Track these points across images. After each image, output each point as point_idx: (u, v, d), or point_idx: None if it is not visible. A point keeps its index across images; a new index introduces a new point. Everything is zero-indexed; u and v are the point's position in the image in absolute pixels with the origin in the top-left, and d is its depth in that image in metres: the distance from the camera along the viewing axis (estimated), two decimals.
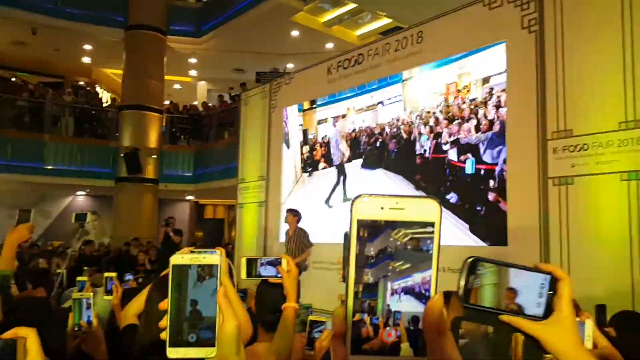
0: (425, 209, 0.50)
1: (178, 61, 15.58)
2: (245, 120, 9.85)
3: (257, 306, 2.20)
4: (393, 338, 0.50)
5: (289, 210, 7.10)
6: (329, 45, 13.89)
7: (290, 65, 14.66)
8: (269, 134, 9.14)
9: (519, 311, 0.67)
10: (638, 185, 4.45)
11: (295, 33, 13.58)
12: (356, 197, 0.51)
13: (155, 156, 13.54)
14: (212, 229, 15.62)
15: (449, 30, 6.28)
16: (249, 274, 1.88)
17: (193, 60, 16.32)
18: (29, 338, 0.84)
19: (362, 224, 0.50)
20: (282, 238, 8.48)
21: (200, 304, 0.77)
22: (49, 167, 13.35)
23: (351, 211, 0.50)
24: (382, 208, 0.50)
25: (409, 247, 0.50)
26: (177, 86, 18.44)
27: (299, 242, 6.91)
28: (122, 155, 13.03)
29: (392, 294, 0.51)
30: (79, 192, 15.76)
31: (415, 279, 0.51)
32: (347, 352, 0.51)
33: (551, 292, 0.68)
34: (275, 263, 1.88)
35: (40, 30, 14.19)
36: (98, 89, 18.55)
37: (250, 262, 1.89)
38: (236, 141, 10.35)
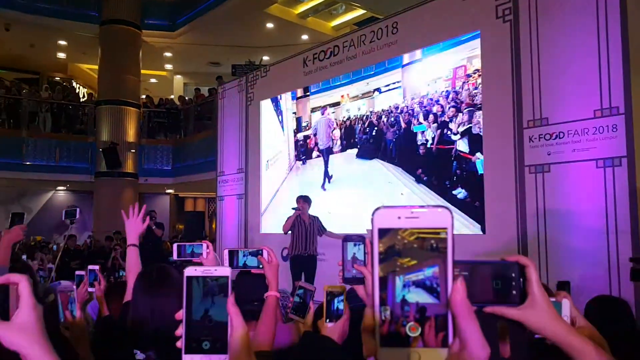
0: (438, 217, 0.54)
1: (154, 55, 15.41)
2: (223, 114, 9.77)
3: (235, 296, 2.18)
4: (418, 332, 0.54)
5: (303, 198, 6.71)
6: (304, 37, 13.82)
7: (266, 58, 14.56)
8: (246, 126, 9.08)
9: (499, 301, 0.74)
10: (613, 172, 4.50)
11: (270, 25, 13.48)
12: (376, 209, 0.55)
13: (134, 150, 13.45)
14: (193, 221, 15.54)
15: (424, 21, 6.27)
16: (231, 265, 1.93)
17: (168, 54, 16.15)
18: (21, 284, 0.86)
19: (381, 232, 0.54)
20: (264, 229, 8.48)
21: (212, 313, 0.84)
22: (28, 164, 13.21)
23: (372, 222, 0.55)
24: (399, 217, 0.54)
25: (416, 245, 0.54)
26: (153, 80, 18.23)
27: (317, 229, 6.66)
28: (100, 150, 12.91)
29: (403, 288, 0.54)
30: (59, 188, 15.58)
31: (426, 273, 0.54)
32: (377, 345, 0.54)
33: (521, 279, 0.75)
34: (257, 254, 1.93)
35: (14, 26, 13.94)
36: (74, 84, 18.25)
37: (232, 254, 1.95)
38: (214, 134, 10.28)
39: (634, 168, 4.36)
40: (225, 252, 1.96)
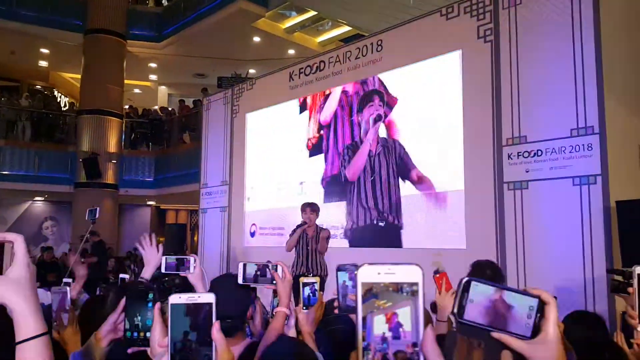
0: (411, 272, 0.63)
1: (138, 66, 15.35)
2: (207, 125, 9.79)
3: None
4: None
5: (309, 205, 5.66)
6: (291, 52, 13.95)
7: (252, 71, 14.63)
8: (231, 139, 9.12)
9: (508, 330, 0.73)
10: (589, 189, 4.66)
11: (257, 39, 13.58)
12: (360, 266, 0.64)
13: (115, 161, 13.33)
14: (174, 234, 15.39)
15: (407, 39, 6.42)
16: (243, 279, 1.93)
17: (153, 65, 16.11)
18: (16, 242, 0.89)
19: (364, 285, 0.63)
20: (247, 242, 8.49)
21: (198, 340, 0.85)
22: (5, 173, 13.00)
23: (356, 277, 0.64)
24: (378, 273, 0.63)
25: (391, 289, 0.63)
26: (137, 90, 18.14)
27: (321, 243, 5.60)
28: (81, 160, 12.78)
29: (379, 331, 0.63)
30: (36, 198, 15.33)
31: (400, 317, 0.63)
32: None
33: (538, 315, 0.74)
34: (271, 269, 1.94)
35: None
36: (56, 93, 18.07)
37: (246, 268, 1.94)
38: (198, 146, 10.28)
39: (607, 185, 4.52)
40: (240, 265, 1.95)
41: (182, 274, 2.31)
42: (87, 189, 12.91)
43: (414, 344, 0.62)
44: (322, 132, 7.49)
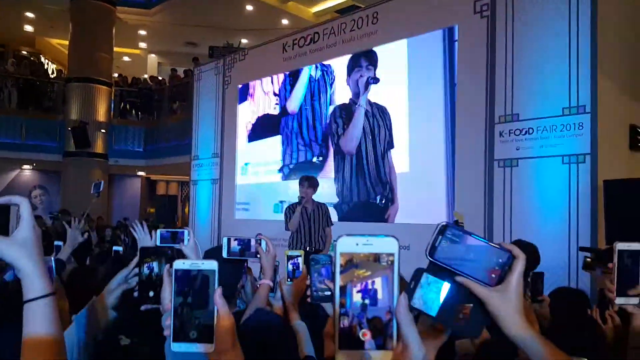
0: (388, 243, 0.67)
1: (127, 33, 15.07)
2: (199, 96, 9.69)
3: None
4: (369, 337, 0.65)
5: (307, 179, 5.45)
6: (285, 22, 13.75)
7: (244, 41, 14.43)
8: (222, 110, 9.05)
9: (474, 275, 0.78)
10: (577, 168, 4.72)
11: (249, 7, 13.36)
12: (339, 237, 0.67)
13: (104, 130, 13.20)
14: (165, 205, 15.39)
15: (404, 12, 6.36)
16: (228, 253, 2.00)
17: (143, 32, 15.83)
18: (22, 205, 0.91)
19: (343, 255, 0.66)
20: (238, 215, 8.52)
21: (200, 304, 0.89)
22: None
23: (335, 246, 0.67)
24: (357, 244, 0.66)
25: (370, 259, 0.66)
26: (126, 58, 17.84)
27: (323, 220, 5.47)
28: (69, 129, 12.63)
29: (359, 297, 0.66)
30: (24, 167, 15.18)
31: (377, 284, 0.66)
32: (336, 347, 0.65)
33: (507, 267, 0.79)
34: (255, 243, 2.00)
35: None
36: (43, 59, 17.72)
37: (230, 242, 2.01)
38: (189, 117, 10.19)
39: (596, 165, 4.58)
40: (225, 240, 2.02)
41: (176, 246, 2.34)
42: (76, 159, 12.81)
43: (390, 311, 0.66)
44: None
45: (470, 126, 5.51)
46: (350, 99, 6.92)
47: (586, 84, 4.67)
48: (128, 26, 14.79)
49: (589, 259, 3.72)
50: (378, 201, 6.42)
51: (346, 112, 6.95)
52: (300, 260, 2.15)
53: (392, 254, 0.67)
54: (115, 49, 13.90)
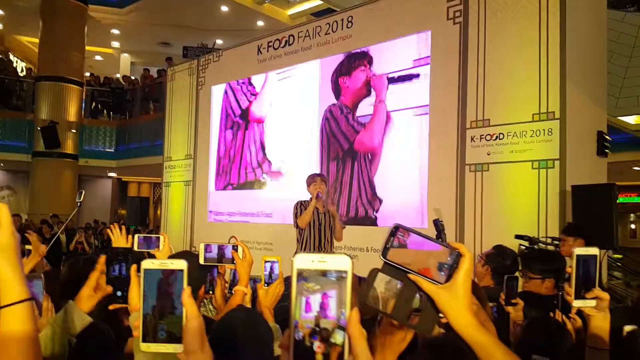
0: (341, 261, 0.68)
1: (100, 32, 14.84)
2: (172, 97, 9.57)
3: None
4: (322, 348, 0.67)
5: (319, 175, 5.02)
6: (260, 23, 13.71)
7: (219, 42, 14.34)
8: (196, 111, 8.96)
9: (424, 275, 0.81)
10: (547, 173, 4.80)
11: (224, 8, 13.27)
12: (296, 253, 0.70)
13: (74, 130, 12.96)
14: (137, 207, 15.16)
15: (378, 17, 6.39)
16: (204, 259, 2.03)
17: (116, 31, 15.59)
18: (1, 211, 0.91)
19: (299, 272, 0.68)
20: (211, 218, 8.43)
21: (168, 304, 0.89)
22: None
23: (292, 264, 0.69)
24: (312, 261, 0.68)
25: (319, 274, 0.69)
26: (98, 58, 17.56)
27: (332, 223, 4.94)
28: (39, 128, 12.35)
29: (311, 311, 0.68)
30: None
31: (328, 300, 0.69)
32: (293, 358, 0.67)
33: (455, 265, 0.82)
34: (231, 249, 2.02)
35: None
36: (12, 57, 17.30)
37: (206, 248, 2.05)
38: (162, 118, 10.06)
39: (565, 170, 4.67)
40: (201, 246, 2.04)
41: (151, 251, 2.40)
42: (45, 159, 12.56)
43: (339, 324, 0.68)
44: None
45: (442, 131, 5.57)
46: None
47: (555, 91, 4.77)
48: (100, 25, 14.56)
49: (523, 247, 3.84)
50: (369, 204, 6.33)
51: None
52: (277, 265, 2.16)
53: (345, 271, 0.68)
54: (87, 47, 13.69)
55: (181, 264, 0.90)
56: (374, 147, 6.35)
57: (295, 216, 4.95)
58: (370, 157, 6.37)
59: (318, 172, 6.19)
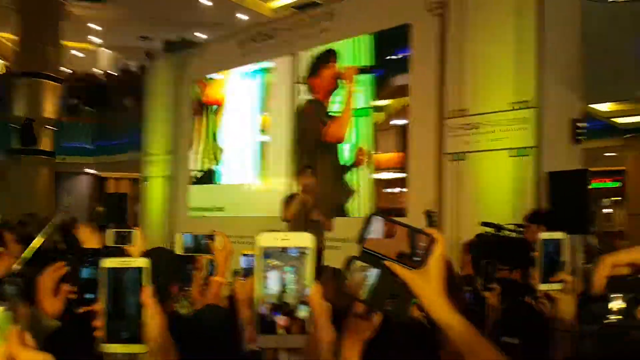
0: (304, 238, 0.72)
1: (78, 26, 14.58)
2: (152, 92, 9.48)
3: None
4: (285, 322, 0.70)
5: (309, 167, 5.10)
6: (242, 17, 13.63)
7: (200, 36, 14.22)
8: (176, 106, 8.88)
9: (400, 260, 0.83)
10: (522, 161, 4.90)
11: (206, 1, 13.18)
12: (260, 233, 0.73)
13: (51, 127, 12.72)
14: (116, 203, 14.94)
15: (359, 10, 6.44)
16: (182, 249, 2.01)
17: (94, 26, 15.36)
18: None
19: (262, 249, 0.71)
20: (190, 213, 8.37)
21: (130, 304, 0.87)
22: None
23: (257, 241, 0.72)
24: (275, 239, 0.72)
25: (281, 251, 0.72)
26: (77, 53, 17.29)
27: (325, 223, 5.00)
28: (14, 126, 12.11)
29: (275, 285, 0.71)
30: None
31: (289, 275, 0.72)
32: (257, 332, 0.70)
33: (428, 250, 0.84)
34: (209, 239, 1.99)
35: None
36: None
37: (183, 238, 2.03)
38: (141, 113, 9.95)
39: (541, 157, 4.77)
40: (177, 236, 2.01)
41: (126, 247, 2.30)
42: (21, 156, 12.26)
43: (301, 297, 0.71)
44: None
45: (422, 120, 5.63)
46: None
47: (531, 81, 4.86)
48: (79, 19, 14.32)
49: (489, 234, 3.92)
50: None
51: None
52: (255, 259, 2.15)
53: (307, 248, 0.71)
54: (65, 42, 13.45)
55: (142, 262, 0.89)
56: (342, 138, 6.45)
57: (283, 210, 5.02)
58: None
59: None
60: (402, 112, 6.04)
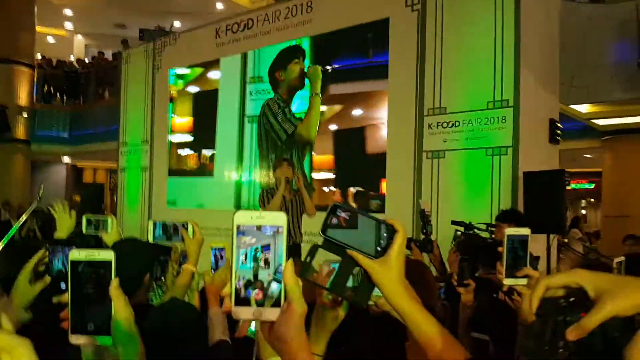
0: (277, 217, 0.74)
1: (51, 12, 14.26)
2: (127, 81, 9.29)
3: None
4: (259, 296, 0.73)
5: (285, 160, 4.92)
6: (219, 6, 13.44)
7: (177, 24, 13.98)
8: (152, 96, 8.73)
9: (362, 249, 0.85)
10: (500, 160, 4.91)
11: None
12: (236, 211, 0.74)
13: (26, 115, 12.44)
14: (92, 194, 14.75)
15: (338, 3, 6.35)
16: (153, 237, 2.03)
17: (69, 12, 14.99)
18: None
19: (237, 227, 0.73)
20: (168, 204, 8.27)
21: (97, 296, 0.88)
22: None
23: (233, 219, 0.73)
24: (251, 217, 0.73)
25: (255, 229, 0.74)
26: (51, 39, 16.87)
27: (300, 209, 4.86)
28: None
29: (249, 261, 0.73)
30: None
31: (262, 251, 0.74)
32: (232, 304, 0.73)
33: (389, 240, 0.86)
34: (182, 227, 2.02)
35: None
36: None
37: (155, 227, 2.04)
38: (117, 102, 9.77)
39: (517, 156, 4.78)
40: (150, 224, 2.02)
41: (99, 233, 2.34)
42: None
43: (274, 273, 0.73)
44: None
45: (400, 118, 5.60)
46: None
47: (510, 80, 4.85)
48: (52, 5, 13.97)
49: (459, 233, 3.95)
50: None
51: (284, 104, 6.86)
52: (225, 252, 2.14)
53: (280, 226, 0.73)
54: (38, 28, 13.14)
55: (109, 255, 0.89)
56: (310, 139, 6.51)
57: (263, 204, 4.79)
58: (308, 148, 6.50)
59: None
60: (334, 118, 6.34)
